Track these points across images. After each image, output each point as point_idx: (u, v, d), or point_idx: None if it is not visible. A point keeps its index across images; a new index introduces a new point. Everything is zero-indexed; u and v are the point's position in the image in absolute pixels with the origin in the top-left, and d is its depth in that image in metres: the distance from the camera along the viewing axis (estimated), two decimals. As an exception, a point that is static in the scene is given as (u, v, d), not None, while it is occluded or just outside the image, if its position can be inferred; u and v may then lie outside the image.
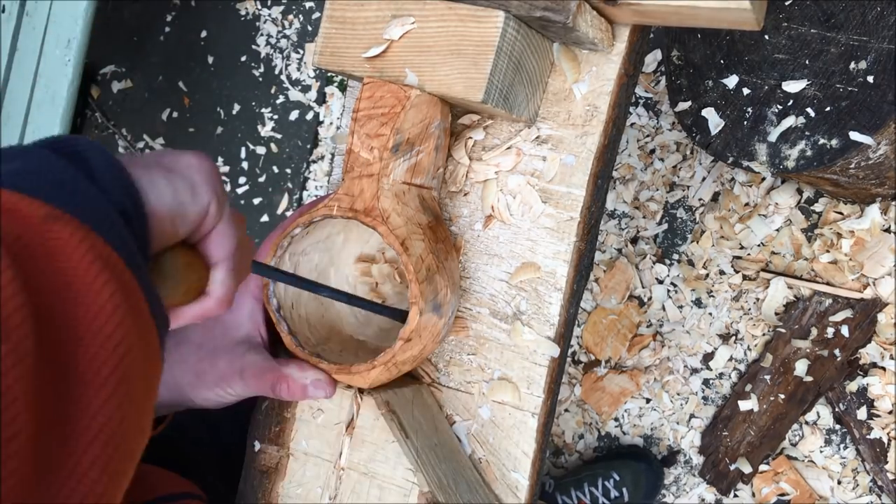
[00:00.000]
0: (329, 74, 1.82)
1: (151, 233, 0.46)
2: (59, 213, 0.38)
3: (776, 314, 1.36)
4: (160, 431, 0.68)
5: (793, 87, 0.98)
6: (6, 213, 0.36)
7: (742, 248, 1.40)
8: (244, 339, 0.68)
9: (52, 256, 0.36)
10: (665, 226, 1.48)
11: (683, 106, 1.06)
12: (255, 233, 1.90)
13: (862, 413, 1.30)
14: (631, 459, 1.43)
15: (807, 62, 0.97)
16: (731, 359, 1.42)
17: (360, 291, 0.80)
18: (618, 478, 1.41)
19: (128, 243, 0.41)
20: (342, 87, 1.81)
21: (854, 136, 0.95)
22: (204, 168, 0.51)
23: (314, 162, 1.84)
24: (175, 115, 1.99)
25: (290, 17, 1.87)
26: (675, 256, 1.47)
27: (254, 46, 1.90)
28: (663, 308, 1.47)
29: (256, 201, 1.89)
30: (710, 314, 1.43)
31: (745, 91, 1.01)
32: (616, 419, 1.51)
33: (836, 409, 1.32)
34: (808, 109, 0.97)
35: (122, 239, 0.41)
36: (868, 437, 1.29)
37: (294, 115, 1.85)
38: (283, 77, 1.87)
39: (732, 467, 1.38)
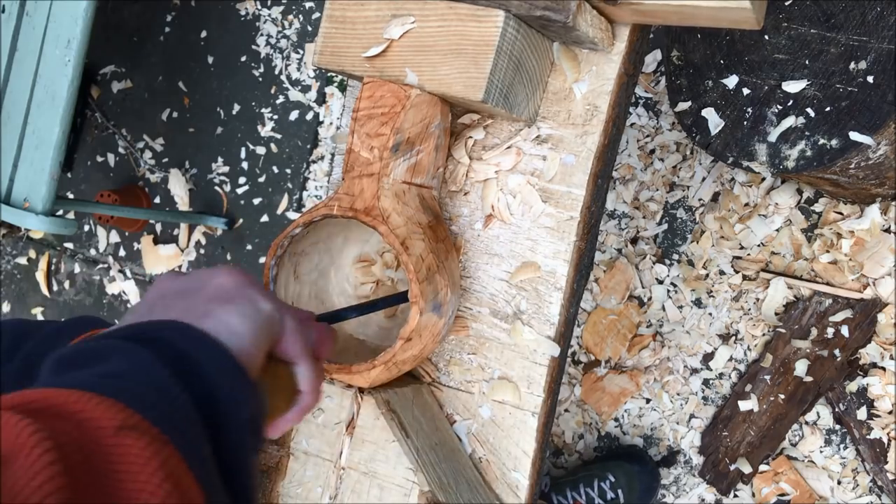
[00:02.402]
0: (329, 74, 1.82)
1: (248, 373, 0.47)
2: (136, 420, 0.36)
3: (776, 314, 1.36)
4: None
5: (793, 87, 0.98)
6: (78, 422, 0.35)
7: (742, 248, 1.40)
8: None
9: (114, 473, 0.34)
10: (665, 226, 1.48)
11: (683, 106, 1.06)
12: (254, 233, 1.90)
13: (862, 413, 1.30)
14: (625, 461, 1.42)
15: (807, 62, 0.97)
16: (731, 359, 1.42)
17: (360, 292, 0.80)
18: (613, 479, 1.41)
19: (205, 459, 0.39)
20: (342, 87, 1.81)
21: (854, 136, 0.95)
22: (244, 281, 0.52)
23: (314, 162, 1.84)
24: (175, 115, 1.99)
25: (290, 17, 1.87)
26: (675, 256, 1.47)
27: (254, 46, 1.90)
28: (663, 308, 1.47)
29: (256, 201, 1.89)
30: (710, 314, 1.43)
31: (745, 91, 1.01)
32: (616, 419, 1.51)
33: (836, 409, 1.32)
34: (808, 109, 0.97)
35: (200, 453, 0.39)
36: (868, 437, 1.29)
37: (294, 115, 1.85)
38: (283, 77, 1.87)
39: (732, 467, 1.38)
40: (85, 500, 0.31)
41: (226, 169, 1.93)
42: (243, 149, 1.91)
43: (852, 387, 1.30)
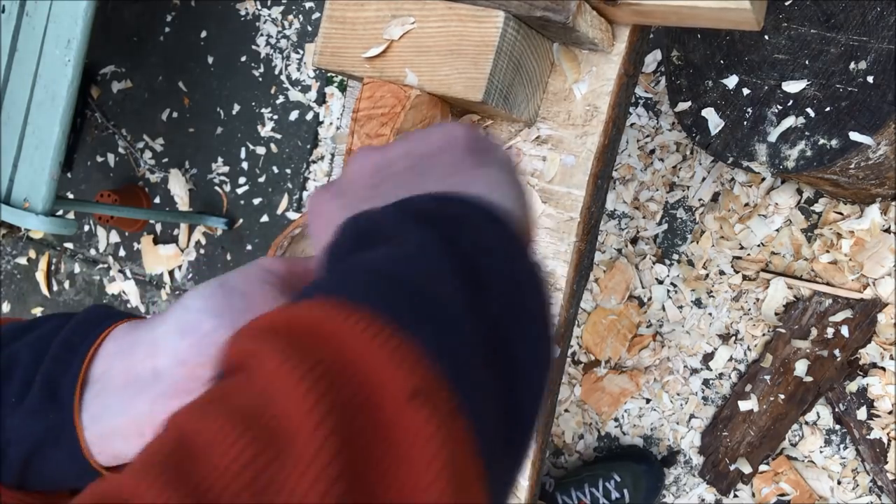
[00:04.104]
0: (329, 74, 1.82)
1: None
2: (432, 384, 0.28)
3: (776, 314, 1.36)
4: None
5: (793, 87, 0.98)
6: (366, 387, 0.28)
7: (742, 248, 1.40)
8: None
9: (394, 464, 0.27)
10: (665, 226, 1.48)
11: (683, 106, 1.06)
12: (254, 233, 1.90)
13: (862, 413, 1.30)
14: (632, 461, 1.42)
15: (807, 62, 0.97)
16: (731, 359, 1.42)
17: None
18: (618, 479, 1.41)
19: (494, 425, 0.32)
20: (342, 87, 1.81)
21: (854, 136, 0.95)
22: (487, 137, 0.44)
23: (314, 162, 1.84)
24: (175, 115, 1.99)
25: (290, 17, 1.87)
26: (675, 256, 1.47)
27: (254, 46, 1.90)
28: (663, 308, 1.47)
29: (256, 201, 1.89)
30: (710, 314, 1.43)
31: (745, 91, 1.01)
32: (616, 419, 1.51)
33: (836, 410, 1.32)
34: (808, 109, 0.97)
35: (490, 424, 0.31)
36: (868, 437, 1.29)
37: (294, 115, 1.85)
38: (283, 77, 1.87)
39: (732, 467, 1.38)
40: (361, 500, 0.26)
41: (226, 169, 1.93)
42: (243, 149, 1.91)
43: (852, 387, 1.30)
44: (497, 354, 0.33)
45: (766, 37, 0.99)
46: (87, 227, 2.15)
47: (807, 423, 1.35)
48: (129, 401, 0.44)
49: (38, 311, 2.23)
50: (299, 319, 0.30)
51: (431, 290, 0.32)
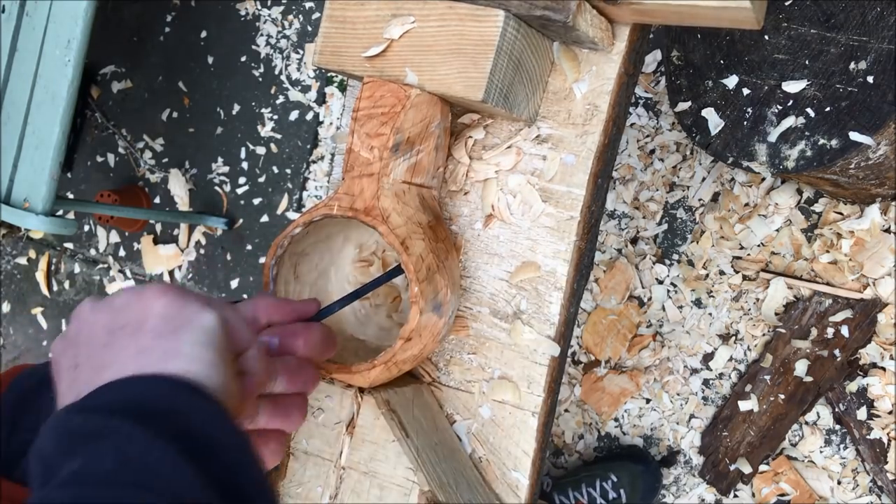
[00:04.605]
0: (329, 74, 1.82)
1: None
2: None
3: (776, 314, 1.36)
4: None
5: (793, 87, 0.98)
6: None
7: (742, 248, 1.40)
8: None
9: None
10: (665, 226, 1.48)
11: (683, 106, 1.06)
12: (254, 233, 1.90)
13: (862, 413, 1.30)
14: (629, 461, 1.42)
15: (807, 62, 0.97)
16: (731, 359, 1.42)
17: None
18: (615, 479, 1.41)
19: None
20: (342, 87, 1.81)
21: (854, 136, 0.95)
22: (181, 299, 0.49)
23: (314, 162, 1.84)
24: (175, 115, 1.99)
25: (290, 17, 1.87)
26: (675, 256, 1.47)
27: (254, 46, 1.90)
28: (663, 308, 1.47)
29: (256, 201, 1.89)
30: (710, 314, 1.43)
31: (745, 91, 1.01)
32: (616, 419, 1.51)
33: (836, 410, 1.32)
34: (808, 110, 0.97)
35: None
36: (868, 437, 1.29)
37: (294, 115, 1.85)
38: (283, 77, 1.87)
39: (732, 467, 1.38)
40: None
41: (226, 169, 1.93)
42: (243, 149, 1.91)
43: (852, 387, 1.30)
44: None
45: (766, 37, 0.99)
46: (87, 227, 2.15)
47: (807, 423, 1.35)
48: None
49: (37, 311, 2.23)
50: None
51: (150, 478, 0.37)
